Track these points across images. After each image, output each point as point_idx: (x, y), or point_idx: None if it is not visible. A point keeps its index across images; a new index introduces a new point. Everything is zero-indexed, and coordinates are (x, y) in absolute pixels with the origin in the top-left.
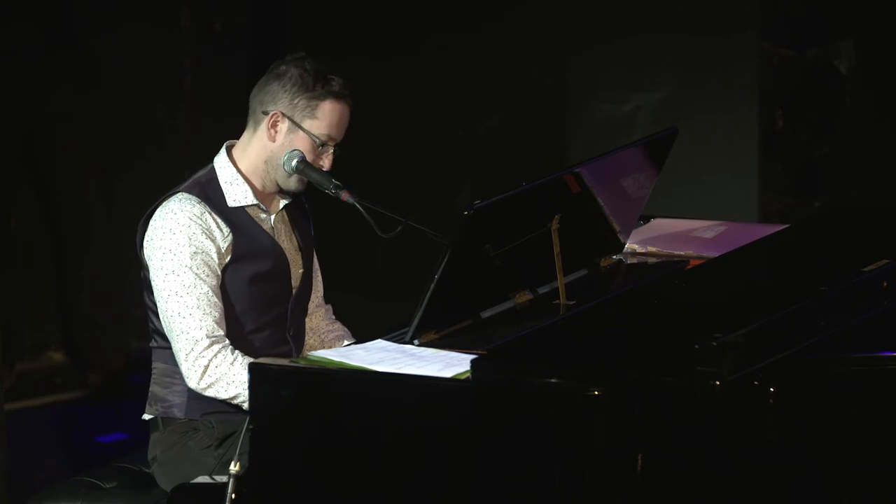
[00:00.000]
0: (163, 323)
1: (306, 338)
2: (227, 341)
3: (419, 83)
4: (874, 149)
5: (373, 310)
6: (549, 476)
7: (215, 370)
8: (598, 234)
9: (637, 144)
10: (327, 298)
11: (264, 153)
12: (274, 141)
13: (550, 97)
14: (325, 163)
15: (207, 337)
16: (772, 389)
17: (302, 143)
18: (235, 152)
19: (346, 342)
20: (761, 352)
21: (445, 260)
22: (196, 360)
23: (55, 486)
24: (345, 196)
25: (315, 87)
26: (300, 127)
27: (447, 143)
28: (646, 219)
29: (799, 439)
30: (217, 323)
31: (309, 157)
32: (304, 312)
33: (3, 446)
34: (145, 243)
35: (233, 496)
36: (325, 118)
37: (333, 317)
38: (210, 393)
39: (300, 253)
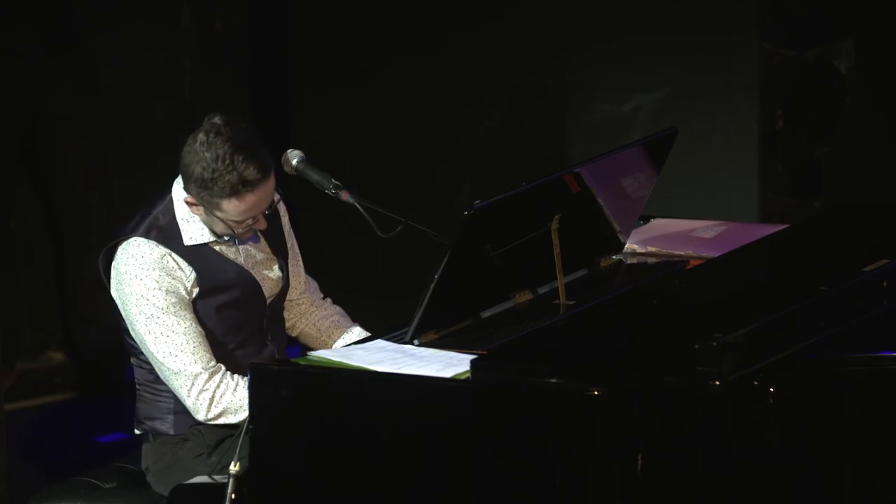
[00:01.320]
0: (153, 364)
1: (300, 325)
2: (223, 367)
3: (419, 83)
4: (874, 149)
5: (373, 310)
6: (549, 476)
7: (220, 400)
8: (598, 234)
9: (637, 144)
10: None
11: (199, 215)
12: (200, 214)
13: (550, 97)
14: (257, 226)
15: (204, 370)
16: (772, 389)
17: (216, 224)
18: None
19: (342, 327)
20: (761, 352)
21: (445, 260)
22: (200, 394)
23: (55, 486)
24: (345, 196)
25: (214, 186)
26: (214, 215)
27: (447, 143)
28: (646, 219)
29: (799, 439)
30: (208, 352)
31: (230, 228)
32: (282, 312)
33: (3, 446)
34: (113, 286)
35: (233, 496)
36: (232, 211)
37: (322, 295)
38: (220, 422)
39: (274, 256)
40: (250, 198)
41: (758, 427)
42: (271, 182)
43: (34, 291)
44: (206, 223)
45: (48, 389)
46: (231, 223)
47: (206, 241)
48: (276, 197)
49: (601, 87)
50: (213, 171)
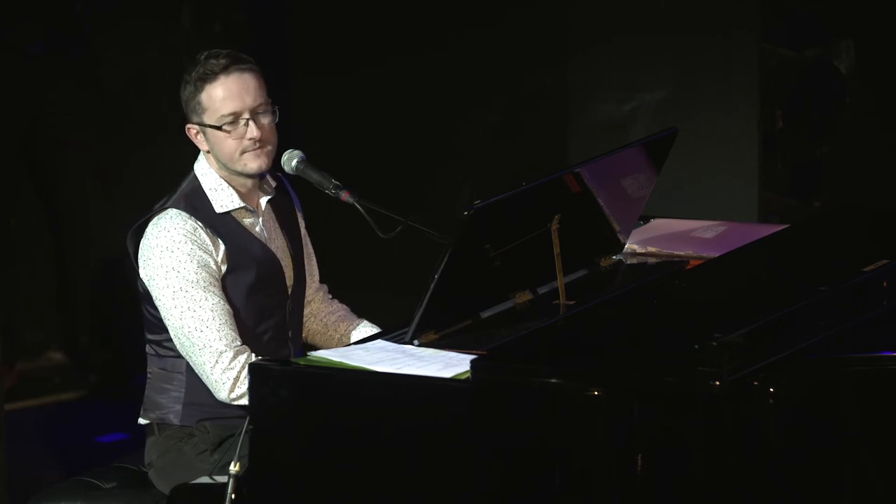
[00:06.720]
0: (177, 340)
1: (308, 323)
2: (249, 349)
3: (419, 83)
4: (874, 149)
5: (372, 310)
6: (549, 476)
7: (245, 381)
8: (598, 234)
9: (637, 144)
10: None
11: (213, 160)
12: (207, 149)
13: (551, 97)
14: (252, 133)
15: (230, 348)
16: (772, 389)
17: (217, 137)
18: (208, 159)
19: (348, 321)
20: (761, 352)
21: (445, 260)
22: (224, 372)
23: (55, 486)
24: (345, 196)
25: (193, 83)
26: (205, 125)
27: (448, 143)
28: (646, 219)
29: (799, 439)
30: (234, 331)
31: (234, 146)
32: (302, 310)
33: (2, 446)
34: (142, 261)
35: (233, 496)
36: (211, 104)
37: (330, 296)
38: (241, 402)
39: (291, 248)
40: (226, 81)
41: (758, 427)
42: (249, 75)
43: (34, 291)
44: (219, 161)
45: (48, 389)
46: (226, 124)
47: (235, 206)
48: (296, 203)
49: (601, 87)
50: (191, 70)
